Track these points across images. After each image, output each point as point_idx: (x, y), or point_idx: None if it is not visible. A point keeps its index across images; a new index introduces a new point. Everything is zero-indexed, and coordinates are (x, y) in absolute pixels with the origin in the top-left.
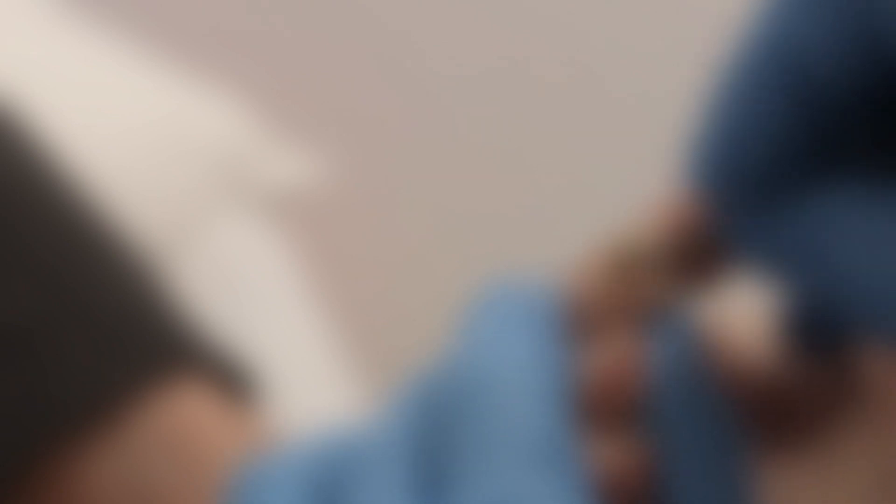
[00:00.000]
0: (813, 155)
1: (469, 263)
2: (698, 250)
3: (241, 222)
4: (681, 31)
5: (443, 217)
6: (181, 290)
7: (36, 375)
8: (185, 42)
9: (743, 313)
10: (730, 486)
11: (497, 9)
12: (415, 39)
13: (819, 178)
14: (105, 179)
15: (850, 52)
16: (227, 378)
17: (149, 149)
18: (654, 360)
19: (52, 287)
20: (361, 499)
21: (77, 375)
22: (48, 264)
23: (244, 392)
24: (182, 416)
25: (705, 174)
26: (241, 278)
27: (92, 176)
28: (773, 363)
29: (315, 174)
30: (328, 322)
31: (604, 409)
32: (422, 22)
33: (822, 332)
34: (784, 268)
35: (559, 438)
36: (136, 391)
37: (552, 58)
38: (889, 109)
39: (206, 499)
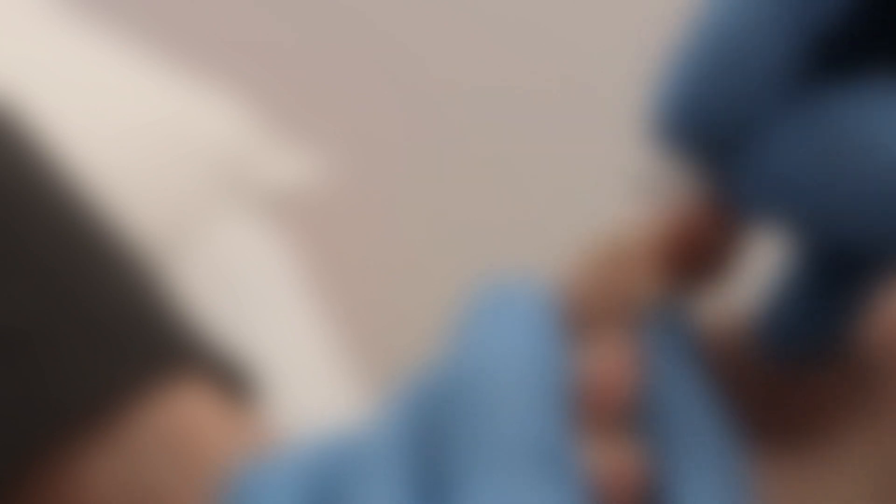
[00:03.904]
0: (804, 62)
1: (467, 264)
2: (692, 252)
3: (241, 222)
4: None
5: (442, 217)
6: (181, 290)
7: (35, 376)
8: (186, 43)
9: (740, 314)
10: (728, 488)
11: (495, 18)
12: (414, 42)
13: (814, 86)
14: (105, 180)
15: None
16: (227, 378)
17: (149, 149)
18: (650, 361)
19: (51, 287)
20: (360, 502)
21: (76, 376)
22: (48, 265)
23: (244, 392)
24: (182, 416)
25: (689, 114)
26: (241, 278)
27: (92, 176)
28: (771, 365)
29: (315, 174)
30: (327, 321)
31: (599, 410)
32: (421, 26)
33: (833, 297)
34: (795, 191)
35: (558, 441)
36: (136, 391)
37: (551, 64)
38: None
39: (205, 499)
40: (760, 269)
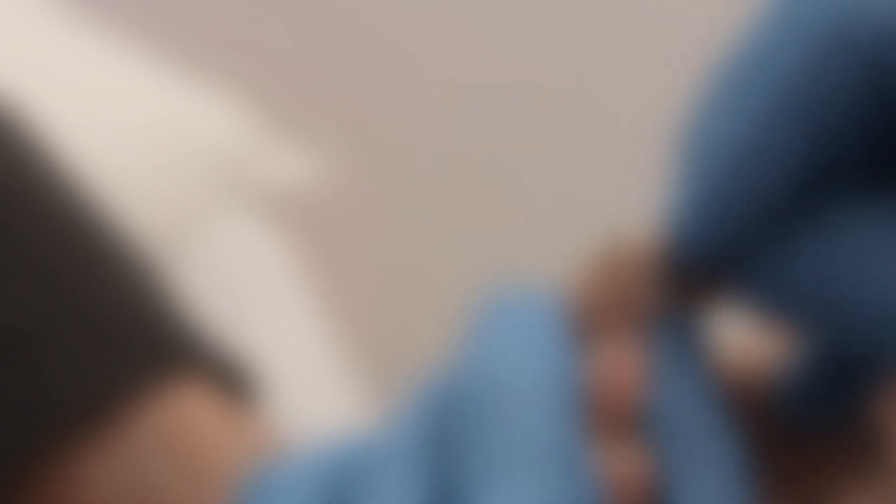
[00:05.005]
0: (812, 184)
1: (469, 264)
2: (693, 270)
3: (241, 222)
4: (676, 44)
5: (443, 217)
6: (181, 290)
7: (35, 376)
8: (186, 43)
9: (750, 325)
10: (731, 492)
11: (497, 17)
12: (414, 42)
13: (820, 205)
14: (105, 180)
15: (865, 102)
16: (227, 378)
17: (149, 149)
18: (657, 367)
19: (51, 287)
20: None
21: (76, 376)
22: (48, 265)
23: (244, 392)
24: (182, 417)
25: (700, 225)
26: (241, 278)
27: (92, 176)
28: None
29: (315, 174)
30: (328, 322)
31: (608, 414)
32: (421, 26)
33: (843, 380)
34: (800, 304)
35: (569, 444)
36: (136, 391)
37: (553, 64)
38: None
39: (205, 499)
40: None
